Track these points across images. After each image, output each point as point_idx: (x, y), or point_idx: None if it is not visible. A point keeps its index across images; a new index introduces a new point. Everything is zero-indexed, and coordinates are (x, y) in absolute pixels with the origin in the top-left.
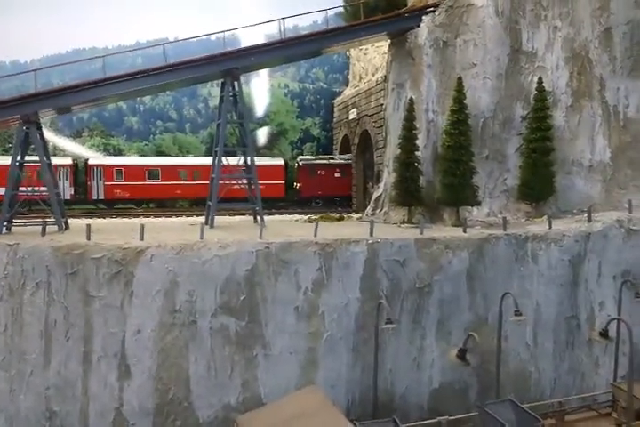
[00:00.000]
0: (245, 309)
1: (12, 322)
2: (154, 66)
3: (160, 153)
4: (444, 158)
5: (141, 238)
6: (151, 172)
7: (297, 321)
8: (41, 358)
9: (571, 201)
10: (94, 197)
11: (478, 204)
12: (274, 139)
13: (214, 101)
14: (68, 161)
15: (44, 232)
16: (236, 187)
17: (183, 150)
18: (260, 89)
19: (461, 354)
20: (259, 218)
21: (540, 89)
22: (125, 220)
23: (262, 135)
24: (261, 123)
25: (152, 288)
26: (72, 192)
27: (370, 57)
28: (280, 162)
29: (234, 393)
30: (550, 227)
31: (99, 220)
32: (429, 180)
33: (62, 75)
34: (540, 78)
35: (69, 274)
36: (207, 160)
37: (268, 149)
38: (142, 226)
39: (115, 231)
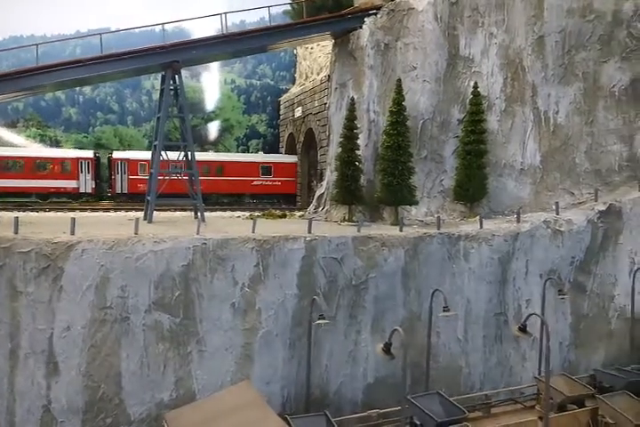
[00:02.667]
0: (180, 305)
1: None
2: (90, 55)
3: (100, 146)
4: (383, 158)
5: (72, 233)
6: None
7: (233, 317)
8: None
9: (502, 202)
10: (118, 191)
11: (416, 203)
12: (220, 134)
13: (158, 94)
14: (90, 154)
15: None
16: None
17: (124, 143)
18: (210, 83)
19: (386, 348)
20: (199, 214)
21: (476, 93)
22: (59, 214)
23: (213, 130)
24: (207, 118)
25: (82, 284)
26: (93, 186)
27: (315, 56)
28: (294, 159)
29: (167, 390)
30: (481, 227)
31: (31, 213)
32: (370, 179)
33: None
34: (475, 83)
35: None
36: (230, 156)
37: (214, 145)
38: (73, 220)
39: (47, 225)
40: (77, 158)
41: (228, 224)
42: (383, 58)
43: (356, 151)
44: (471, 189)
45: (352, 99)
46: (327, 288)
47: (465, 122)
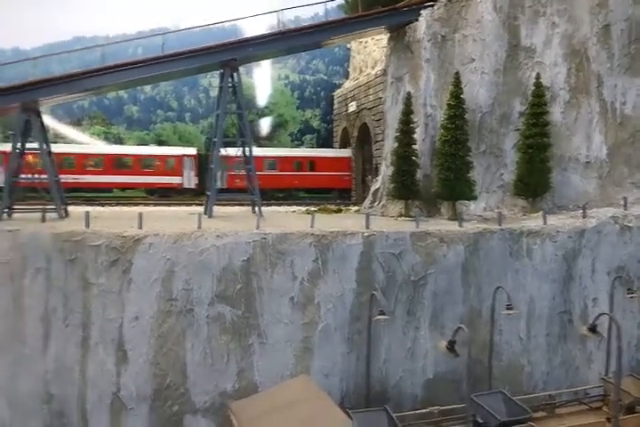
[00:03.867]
0: (241, 298)
1: (13, 307)
2: (152, 55)
3: (161, 142)
4: (441, 153)
5: (140, 227)
6: (270, 163)
7: (292, 311)
8: (40, 342)
9: (567, 197)
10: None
11: (474, 198)
12: (274, 130)
13: (215, 91)
14: (193, 151)
15: (43, 219)
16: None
17: (183, 140)
18: (262, 79)
19: (450, 346)
20: (257, 209)
21: (538, 85)
22: (125, 208)
23: (265, 126)
24: (261, 113)
25: (150, 276)
26: (197, 182)
27: (369, 50)
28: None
29: (230, 381)
30: (545, 222)
31: (98, 208)
32: (427, 173)
33: (62, 63)
34: (538, 74)
35: (69, 261)
36: (323, 152)
37: (268, 140)
38: (140, 214)
39: (114, 219)
40: (182, 155)
41: (285, 219)
42: (440, 50)
43: (413, 146)
44: (533, 183)
45: (408, 93)
46: (385, 284)
47: (526, 114)
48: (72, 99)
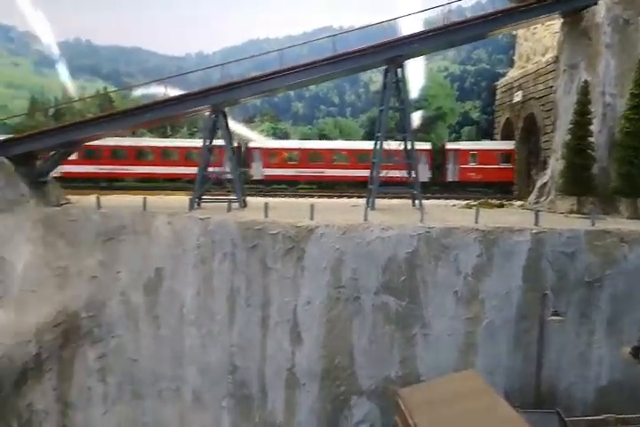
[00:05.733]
0: (406, 289)
1: (204, 286)
2: (325, 56)
3: (322, 137)
4: (622, 145)
5: (311, 218)
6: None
7: (456, 305)
8: (226, 319)
9: None
10: (450, 179)
11: None
12: (431, 122)
13: (374, 86)
14: (428, 146)
15: (229, 208)
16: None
17: (344, 134)
18: (414, 72)
19: (635, 352)
20: (417, 202)
21: None
22: (292, 200)
23: (416, 119)
24: (416, 106)
25: (321, 264)
26: (430, 175)
27: (539, 36)
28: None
29: (393, 368)
30: None
31: (269, 198)
32: (603, 167)
33: (239, 65)
34: None
35: (250, 247)
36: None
37: (425, 133)
38: (312, 206)
39: (285, 210)
40: (417, 150)
41: (446, 213)
42: (622, 35)
43: (589, 138)
44: None
45: (585, 81)
46: (556, 283)
47: None
48: (252, 99)
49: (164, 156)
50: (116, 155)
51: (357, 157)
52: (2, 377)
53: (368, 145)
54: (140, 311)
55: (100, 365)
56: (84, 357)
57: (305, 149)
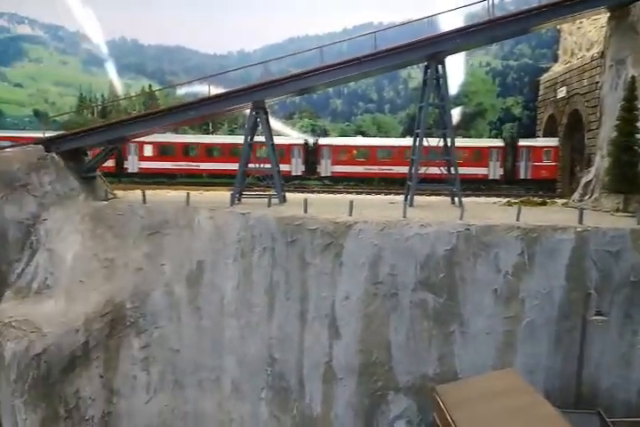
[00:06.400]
0: (444, 286)
1: (244, 279)
2: (363, 53)
3: (360, 133)
4: None
5: (350, 214)
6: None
7: (495, 303)
8: (265, 312)
9: None
10: (522, 177)
11: None
12: (471, 119)
13: (413, 83)
14: (500, 143)
15: (269, 204)
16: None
17: (382, 130)
18: (454, 68)
19: None
20: (456, 199)
21: None
22: (330, 195)
23: (455, 115)
24: (456, 103)
25: (358, 260)
26: (501, 172)
27: (584, 31)
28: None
29: (431, 365)
30: None
31: (308, 194)
32: None
33: (279, 62)
34: None
35: (289, 242)
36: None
37: (465, 130)
38: (351, 202)
39: (324, 206)
40: (489, 147)
41: (487, 210)
42: None
43: (636, 135)
44: None
45: (632, 77)
46: (599, 283)
47: None
48: (293, 96)
49: (232, 152)
50: (188, 152)
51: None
52: (51, 365)
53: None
54: (182, 303)
55: (144, 354)
56: (129, 346)
57: (374, 147)
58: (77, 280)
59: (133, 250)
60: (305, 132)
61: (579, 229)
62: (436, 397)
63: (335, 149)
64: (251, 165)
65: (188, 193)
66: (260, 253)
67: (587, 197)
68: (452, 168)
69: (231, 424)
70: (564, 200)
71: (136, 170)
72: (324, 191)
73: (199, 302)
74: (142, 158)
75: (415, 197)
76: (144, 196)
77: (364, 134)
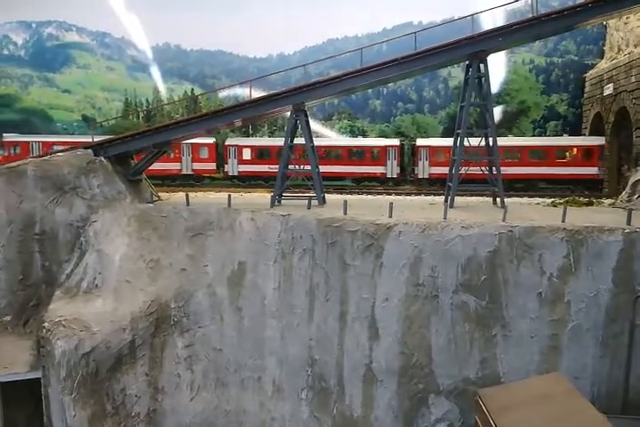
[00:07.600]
0: (486, 289)
1: (284, 280)
2: (403, 54)
3: (399, 134)
4: None
5: (390, 215)
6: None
7: (539, 306)
8: (305, 313)
9: None
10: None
11: None
12: (513, 118)
13: (453, 82)
14: (600, 141)
15: (309, 205)
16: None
17: (421, 131)
18: (496, 66)
19: None
20: (498, 200)
21: None
22: (369, 197)
23: (497, 114)
24: (497, 101)
25: (399, 262)
26: (596, 172)
27: (631, 26)
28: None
29: (473, 368)
30: None
31: (347, 196)
32: None
33: (318, 65)
34: None
35: (329, 244)
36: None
37: (507, 129)
38: (391, 204)
39: (363, 207)
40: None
41: (530, 211)
42: None
43: None
44: None
45: None
46: None
47: None
48: (333, 98)
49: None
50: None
51: (529, 154)
52: (99, 363)
53: (539, 141)
54: (224, 303)
55: (187, 353)
56: (174, 345)
57: (472, 147)
58: (124, 280)
59: (177, 251)
60: (343, 133)
61: (627, 231)
62: (479, 400)
63: (432, 151)
64: (290, 167)
65: (229, 195)
66: (300, 255)
67: (635, 196)
68: (494, 168)
69: (272, 423)
70: (611, 200)
71: (236, 173)
72: (421, 193)
73: (240, 303)
74: (241, 162)
75: (456, 198)
76: (187, 198)
77: (403, 135)
